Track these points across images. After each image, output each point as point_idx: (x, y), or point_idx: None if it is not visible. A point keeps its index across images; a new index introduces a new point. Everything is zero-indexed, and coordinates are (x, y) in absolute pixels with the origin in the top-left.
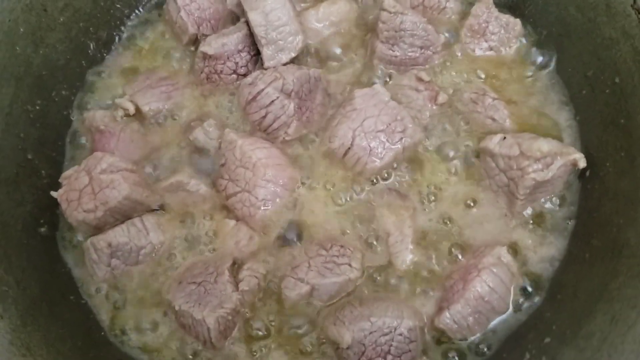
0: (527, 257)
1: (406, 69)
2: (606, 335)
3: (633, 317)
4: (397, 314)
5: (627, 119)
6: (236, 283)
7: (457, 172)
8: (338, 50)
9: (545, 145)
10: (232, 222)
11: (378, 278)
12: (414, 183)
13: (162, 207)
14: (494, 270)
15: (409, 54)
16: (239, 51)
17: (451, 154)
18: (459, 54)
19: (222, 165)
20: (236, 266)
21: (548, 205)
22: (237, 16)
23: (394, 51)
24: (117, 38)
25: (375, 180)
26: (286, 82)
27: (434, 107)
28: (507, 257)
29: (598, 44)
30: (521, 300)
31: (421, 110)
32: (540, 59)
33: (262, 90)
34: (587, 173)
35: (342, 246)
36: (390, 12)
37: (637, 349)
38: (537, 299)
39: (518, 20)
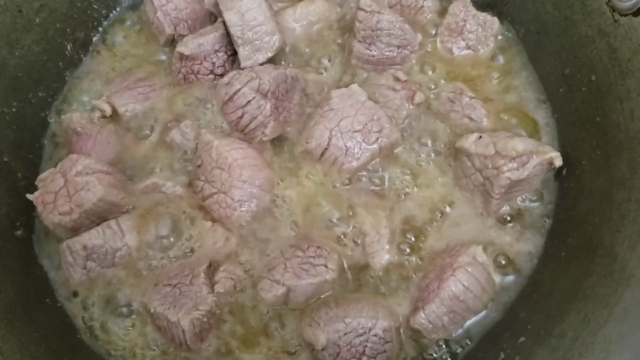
0: (504, 252)
1: (384, 68)
2: (578, 334)
3: (604, 316)
4: (372, 314)
5: (602, 117)
6: (212, 285)
7: (434, 171)
8: (316, 50)
9: (520, 144)
10: (209, 224)
11: (354, 278)
12: (391, 183)
13: (137, 209)
14: (469, 269)
15: (386, 53)
16: (216, 51)
17: (428, 153)
18: (437, 53)
19: (199, 166)
20: (212, 268)
21: (525, 203)
22: (214, 16)
23: (371, 51)
24: (94, 39)
25: (352, 181)
26: (262, 82)
27: (411, 107)
28: (482, 256)
29: (575, 41)
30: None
31: (398, 110)
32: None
33: (239, 90)
34: (564, 171)
35: (318, 247)
36: (366, 12)
37: (606, 349)
38: (512, 298)
39: (495, 19)
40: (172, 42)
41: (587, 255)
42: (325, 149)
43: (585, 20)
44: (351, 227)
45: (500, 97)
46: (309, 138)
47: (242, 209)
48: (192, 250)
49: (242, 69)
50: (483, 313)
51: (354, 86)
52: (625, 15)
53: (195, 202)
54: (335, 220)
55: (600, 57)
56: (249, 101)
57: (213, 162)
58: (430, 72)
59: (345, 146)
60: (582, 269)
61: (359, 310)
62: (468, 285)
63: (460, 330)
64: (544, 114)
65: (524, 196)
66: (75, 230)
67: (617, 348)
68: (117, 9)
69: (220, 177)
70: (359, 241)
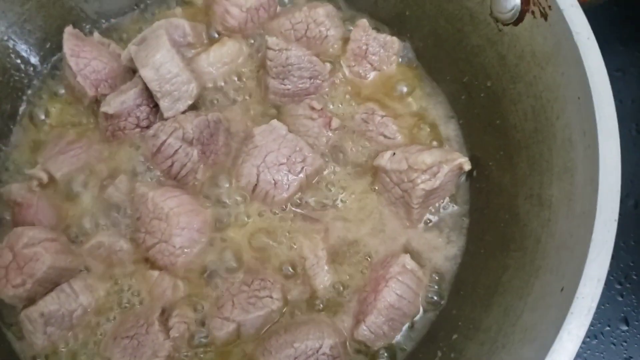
0: (432, 259)
1: (300, 99)
2: (500, 326)
3: (521, 307)
4: (318, 335)
5: (501, 120)
6: (167, 331)
7: (360, 190)
8: (234, 90)
9: (428, 157)
10: (156, 273)
11: (300, 303)
12: (322, 206)
13: (87, 269)
14: (400, 278)
15: (300, 85)
16: (138, 105)
17: (352, 174)
18: (346, 78)
19: (138, 219)
20: (165, 314)
21: (444, 208)
22: (133, 70)
23: (285, 85)
24: (21, 109)
25: (285, 210)
26: (186, 130)
27: (330, 133)
28: (411, 263)
29: (468, 51)
30: (430, 300)
31: (318, 137)
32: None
33: (165, 141)
34: (475, 173)
35: (262, 279)
36: (275, 50)
37: (523, 338)
38: (444, 298)
39: (395, 38)
40: (96, 101)
41: (502, 251)
42: (256, 184)
43: (475, 31)
44: (291, 254)
45: (409, 110)
46: (239, 176)
47: (185, 254)
48: (144, 301)
49: (166, 119)
50: (419, 315)
51: (274, 122)
52: (507, 25)
53: (140, 254)
54: (275, 250)
55: (492, 64)
56: (176, 150)
57: (150, 213)
58: (342, 97)
59: (274, 180)
60: (499, 263)
61: (305, 333)
62: (401, 293)
63: (400, 335)
64: (451, 121)
65: (442, 201)
66: (31, 298)
67: (530, 337)
68: (39, 77)
69: (160, 227)
70: (300, 266)
